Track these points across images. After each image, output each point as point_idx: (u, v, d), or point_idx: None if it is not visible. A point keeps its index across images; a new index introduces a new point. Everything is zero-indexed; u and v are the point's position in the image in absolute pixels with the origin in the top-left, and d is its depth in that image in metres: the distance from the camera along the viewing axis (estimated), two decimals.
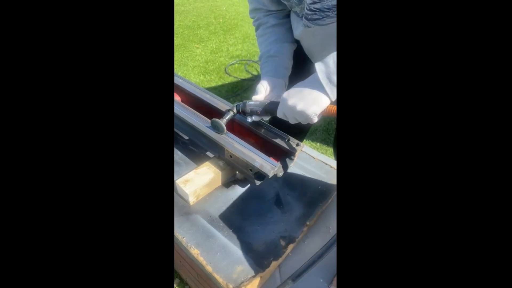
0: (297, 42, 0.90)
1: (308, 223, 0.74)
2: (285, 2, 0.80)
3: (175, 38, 3.59)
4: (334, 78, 0.61)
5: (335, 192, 0.82)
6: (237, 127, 0.88)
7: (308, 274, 0.66)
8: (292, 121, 0.69)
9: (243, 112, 0.78)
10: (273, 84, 0.81)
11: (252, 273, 0.64)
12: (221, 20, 4.17)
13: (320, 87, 0.63)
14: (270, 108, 0.73)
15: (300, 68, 0.89)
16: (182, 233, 0.71)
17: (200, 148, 0.91)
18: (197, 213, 0.76)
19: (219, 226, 0.73)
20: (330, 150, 1.99)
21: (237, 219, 0.75)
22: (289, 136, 0.81)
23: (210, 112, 0.89)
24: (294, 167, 0.89)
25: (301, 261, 0.53)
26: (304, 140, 1.61)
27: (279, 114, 0.70)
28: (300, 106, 0.64)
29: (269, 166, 0.70)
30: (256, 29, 0.93)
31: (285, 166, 0.77)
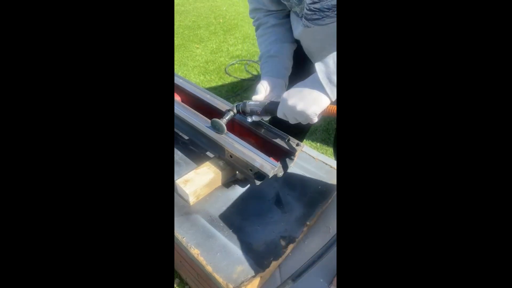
0: (297, 42, 0.90)
1: (308, 223, 0.74)
2: (285, 2, 0.80)
3: (175, 38, 3.59)
4: (334, 78, 0.61)
5: (335, 192, 0.82)
6: (237, 127, 0.88)
7: (308, 274, 0.66)
8: (292, 121, 0.69)
9: (243, 112, 0.78)
10: (273, 84, 0.80)
11: (252, 273, 0.64)
12: (221, 20, 4.17)
13: (320, 87, 0.63)
14: (270, 108, 0.73)
15: (300, 68, 0.89)
16: (182, 233, 0.71)
17: (200, 148, 0.91)
18: (197, 213, 0.76)
19: (219, 226, 0.73)
20: (330, 150, 1.99)
21: (237, 219, 0.75)
22: (289, 136, 0.81)
23: (210, 112, 0.89)
24: (294, 167, 0.89)
25: (301, 261, 0.53)
26: (304, 140, 1.61)
27: (279, 114, 0.70)
28: (300, 106, 0.64)
29: (269, 166, 0.70)
30: (256, 29, 0.93)
31: (285, 166, 0.77)
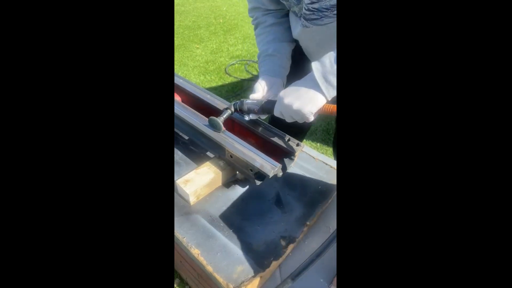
0: (296, 41, 0.90)
1: (308, 223, 0.74)
2: (284, 2, 0.80)
3: (175, 39, 3.59)
4: (330, 77, 0.61)
5: (335, 192, 0.82)
6: (238, 127, 0.88)
7: (308, 274, 0.66)
8: (288, 119, 0.70)
9: (240, 111, 0.79)
10: (270, 83, 0.81)
11: (252, 273, 0.64)
12: (221, 20, 4.17)
13: (316, 86, 0.63)
14: (267, 106, 0.74)
15: (298, 67, 0.89)
16: (182, 233, 0.71)
17: (200, 148, 0.91)
18: (197, 213, 0.76)
19: (219, 226, 0.73)
20: (330, 150, 1.99)
21: (237, 219, 0.75)
22: (289, 136, 0.81)
23: (210, 112, 0.89)
24: (294, 167, 0.89)
25: (301, 261, 0.53)
26: (304, 140, 1.61)
27: (276, 113, 0.71)
28: (296, 105, 0.65)
29: (269, 166, 0.70)
30: (255, 28, 0.93)
31: (285, 166, 0.77)
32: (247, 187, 0.83)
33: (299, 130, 1.19)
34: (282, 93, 0.68)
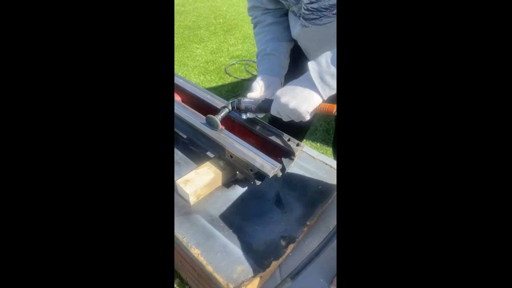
0: (294, 40, 0.91)
1: (308, 223, 0.74)
2: (283, 1, 0.80)
3: (175, 39, 3.59)
4: (326, 77, 0.62)
5: (335, 192, 0.82)
6: (238, 127, 0.88)
7: (308, 274, 0.66)
8: (285, 118, 0.70)
9: (238, 109, 0.79)
10: (268, 82, 0.81)
11: (252, 273, 0.64)
12: (221, 20, 4.17)
13: (312, 86, 0.64)
14: (264, 105, 0.74)
15: (297, 66, 0.89)
16: (182, 233, 0.71)
17: (200, 148, 0.91)
18: (197, 213, 0.76)
19: (219, 226, 0.73)
20: (330, 150, 1.99)
21: (237, 219, 0.75)
22: (289, 136, 0.81)
23: (210, 112, 0.89)
24: (294, 167, 0.89)
25: (301, 261, 0.53)
26: (304, 140, 1.61)
27: (273, 112, 0.71)
28: (292, 104, 0.65)
29: (270, 166, 0.70)
30: (254, 27, 0.94)
31: (285, 166, 0.77)
32: (247, 187, 0.83)
33: (299, 130, 1.19)
34: (279, 92, 0.68)
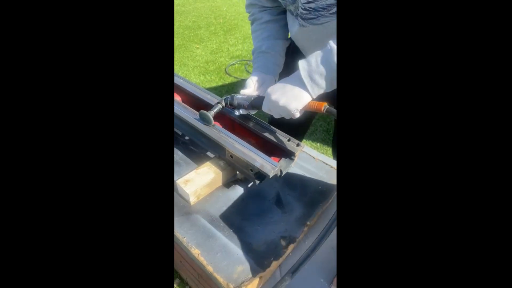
0: (290, 39, 0.91)
1: (308, 223, 0.74)
2: (280, 0, 0.80)
3: (175, 39, 3.60)
4: (316, 76, 0.64)
5: (335, 192, 0.82)
6: (238, 127, 0.88)
7: (309, 274, 0.66)
8: (276, 115, 0.72)
9: (231, 105, 0.80)
10: (262, 80, 0.83)
11: (252, 273, 0.64)
12: (221, 21, 4.17)
13: (302, 84, 0.66)
14: (256, 102, 0.76)
15: (292, 64, 0.90)
16: (182, 233, 0.71)
17: (200, 148, 0.91)
18: (197, 213, 0.76)
19: (219, 226, 0.73)
20: (330, 150, 1.99)
21: (237, 219, 0.75)
22: (289, 136, 0.81)
23: None
24: (294, 167, 0.89)
25: (302, 259, 0.53)
26: (304, 140, 1.61)
27: (264, 109, 0.73)
28: (282, 102, 0.67)
29: (270, 166, 0.70)
30: (251, 24, 0.95)
31: (285, 166, 0.77)
32: (247, 187, 0.83)
33: (299, 130, 1.19)
34: (270, 89, 0.70)
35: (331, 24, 0.73)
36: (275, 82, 0.84)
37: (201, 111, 0.79)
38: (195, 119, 0.82)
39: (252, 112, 0.83)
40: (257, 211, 0.77)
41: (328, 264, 0.68)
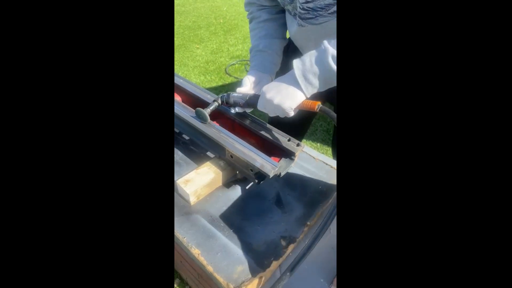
0: (288, 38, 0.91)
1: (308, 223, 0.74)
2: (278, 0, 0.80)
3: (175, 39, 3.60)
4: (309, 76, 0.65)
5: (335, 192, 0.82)
6: (238, 127, 0.88)
7: (309, 274, 0.66)
8: (271, 114, 0.72)
9: (227, 103, 0.80)
10: (259, 78, 0.83)
11: (252, 273, 0.64)
12: (221, 21, 4.17)
13: (296, 84, 0.67)
14: (252, 101, 0.76)
15: (289, 63, 0.90)
16: (182, 233, 0.71)
17: (200, 148, 0.91)
18: (197, 213, 0.76)
19: (219, 226, 0.73)
20: (330, 150, 1.99)
21: (237, 219, 0.75)
22: (289, 136, 0.81)
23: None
24: (295, 167, 0.89)
25: (301, 257, 0.53)
26: (304, 140, 1.61)
27: (259, 107, 0.73)
28: (277, 100, 0.68)
29: (270, 166, 0.70)
30: (250, 22, 0.95)
31: (285, 166, 0.77)
32: (248, 187, 0.83)
33: (299, 130, 1.19)
34: (265, 88, 0.71)
35: (330, 24, 0.73)
36: (271, 81, 0.85)
37: (197, 108, 0.80)
38: (192, 117, 0.82)
39: (248, 110, 0.83)
40: (257, 211, 0.77)
41: (328, 264, 0.69)
